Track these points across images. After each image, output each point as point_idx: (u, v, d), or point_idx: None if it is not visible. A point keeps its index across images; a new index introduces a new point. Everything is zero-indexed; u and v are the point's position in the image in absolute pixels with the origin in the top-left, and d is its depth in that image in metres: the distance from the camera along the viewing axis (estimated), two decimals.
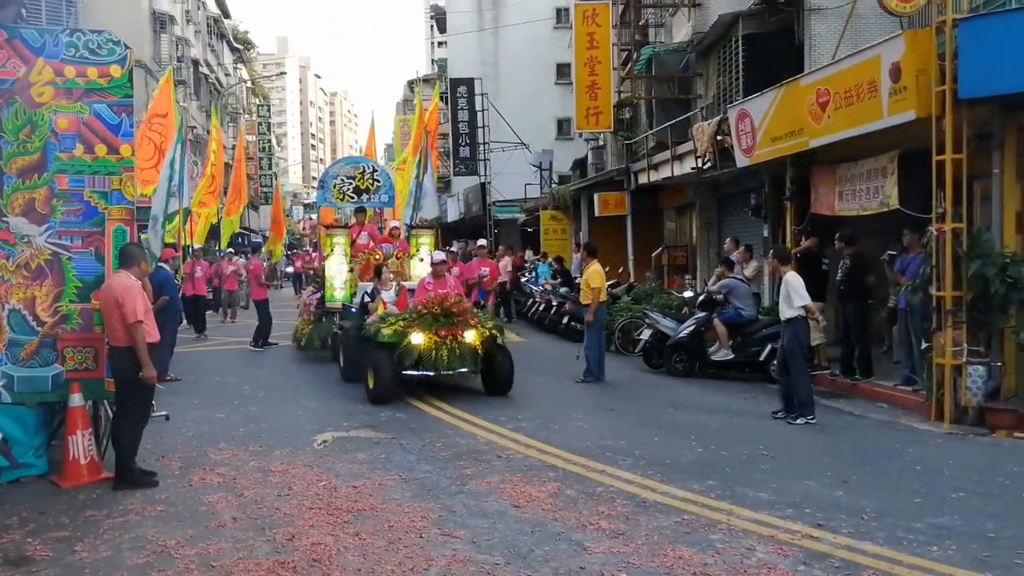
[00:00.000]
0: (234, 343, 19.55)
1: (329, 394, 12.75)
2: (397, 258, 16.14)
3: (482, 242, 20.60)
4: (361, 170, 18.07)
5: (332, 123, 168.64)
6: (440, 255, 14.02)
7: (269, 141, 68.89)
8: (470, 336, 11.86)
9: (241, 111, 61.03)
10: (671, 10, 24.66)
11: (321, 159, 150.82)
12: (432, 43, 78.76)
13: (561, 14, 44.46)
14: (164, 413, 10.40)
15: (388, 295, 13.29)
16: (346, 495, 7.39)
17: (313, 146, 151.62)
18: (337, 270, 16.08)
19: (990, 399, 10.14)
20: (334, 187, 17.80)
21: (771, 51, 17.25)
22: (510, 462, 8.59)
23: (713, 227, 21.46)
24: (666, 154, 20.89)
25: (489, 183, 37.71)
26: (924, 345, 10.97)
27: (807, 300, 10.57)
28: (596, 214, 25.74)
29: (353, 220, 18.05)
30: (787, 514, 6.87)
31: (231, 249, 26.33)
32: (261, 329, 18.87)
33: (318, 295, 16.77)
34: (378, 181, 17.99)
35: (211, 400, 12.20)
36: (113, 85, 8.32)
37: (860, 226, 13.28)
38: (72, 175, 8.20)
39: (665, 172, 21.32)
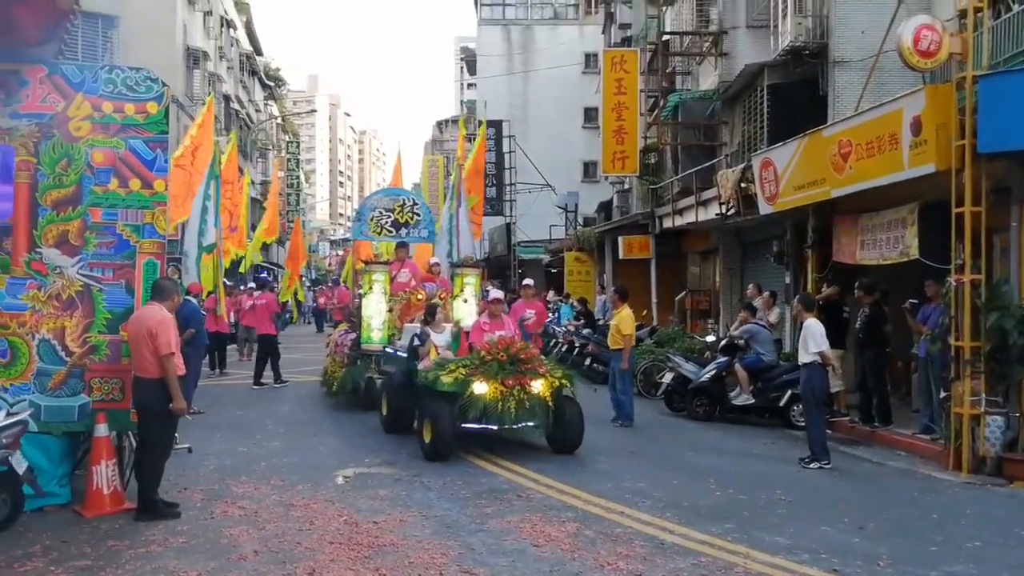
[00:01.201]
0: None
1: (350, 430, 12.85)
2: (440, 298, 14.73)
3: (528, 281, 18.71)
4: (401, 203, 17.11)
5: (360, 161, 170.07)
6: (496, 292, 12.94)
7: (297, 177, 69.62)
8: (539, 386, 10.71)
9: (271, 147, 61.74)
10: (698, 59, 24.92)
11: (348, 196, 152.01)
12: (462, 84, 79.63)
13: (590, 59, 44.97)
14: (187, 445, 10.51)
15: (441, 338, 12.08)
16: (367, 531, 7.47)
17: (341, 183, 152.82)
18: (375, 309, 14.69)
19: (1008, 450, 10.11)
20: (371, 220, 16.79)
21: (795, 101, 17.45)
22: (530, 502, 8.65)
23: (736, 273, 21.52)
24: (691, 200, 21.02)
25: (514, 223, 37.93)
26: (943, 394, 10.96)
27: (823, 347, 10.63)
28: (620, 257, 25.84)
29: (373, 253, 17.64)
30: (803, 559, 6.90)
31: (252, 284, 26.21)
32: (273, 363, 18.27)
33: (352, 336, 15.43)
34: (418, 215, 17.04)
35: (233, 434, 12.32)
36: (149, 121, 8.52)
37: (881, 275, 13.32)
38: (106, 208, 8.38)
39: (689, 217, 21.43)
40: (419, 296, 14.67)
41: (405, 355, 12.37)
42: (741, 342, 14.29)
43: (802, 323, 11.15)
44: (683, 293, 24.71)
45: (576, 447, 11.08)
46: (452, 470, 10.07)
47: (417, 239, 17.38)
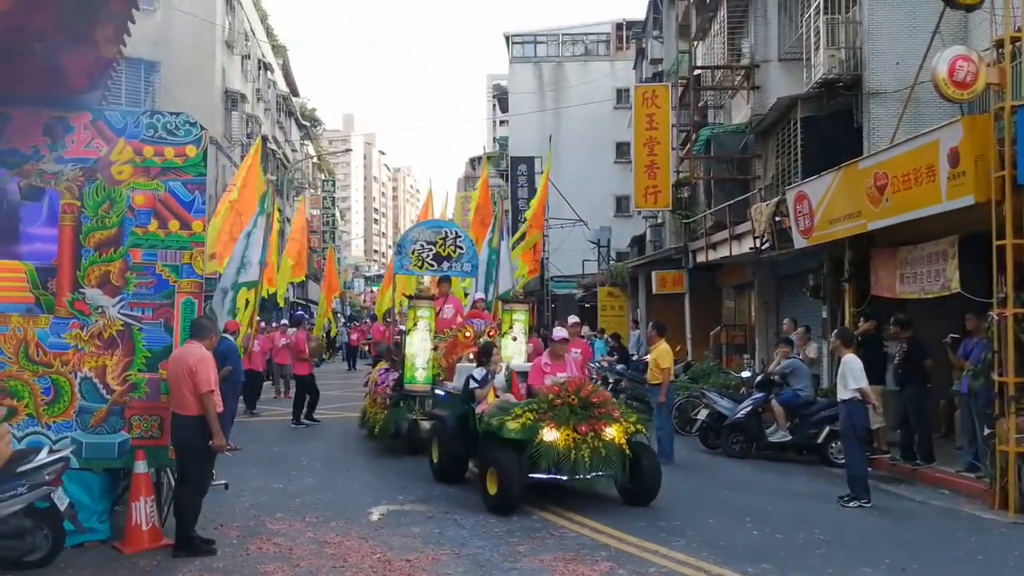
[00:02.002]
0: (290, 413, 19.69)
1: (384, 467, 12.83)
2: (490, 336, 13.98)
3: (574, 319, 17.34)
4: (443, 235, 16.32)
5: (395, 198, 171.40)
6: (562, 331, 11.88)
7: (333, 215, 70.23)
8: (614, 432, 9.91)
9: (307, 185, 62.37)
10: (730, 92, 24.92)
11: (383, 232, 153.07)
12: (494, 122, 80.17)
13: (621, 95, 45.23)
14: (224, 482, 10.54)
15: (498, 379, 11.20)
16: (400, 569, 7.45)
17: (376, 220, 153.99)
18: (420, 347, 13.90)
19: None
20: (412, 253, 16.09)
21: (829, 133, 17.34)
22: (563, 540, 8.58)
23: (772, 307, 21.35)
24: (724, 233, 20.95)
25: (547, 259, 38.00)
26: (987, 431, 10.75)
27: (862, 383, 10.48)
28: (654, 291, 25.78)
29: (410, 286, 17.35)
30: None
31: (285, 321, 26.07)
32: (311, 403, 18.21)
33: (393, 375, 14.59)
34: (461, 248, 16.27)
35: (269, 470, 12.36)
36: (188, 164, 8.69)
37: (922, 309, 13.17)
38: (146, 249, 8.54)
39: (723, 251, 21.35)
40: (467, 333, 14.05)
41: (459, 397, 11.66)
42: (777, 378, 14.14)
43: (840, 359, 11.03)
44: (718, 328, 24.55)
45: (653, 498, 10.18)
46: (484, 508, 9.98)
47: (459, 273, 16.72)
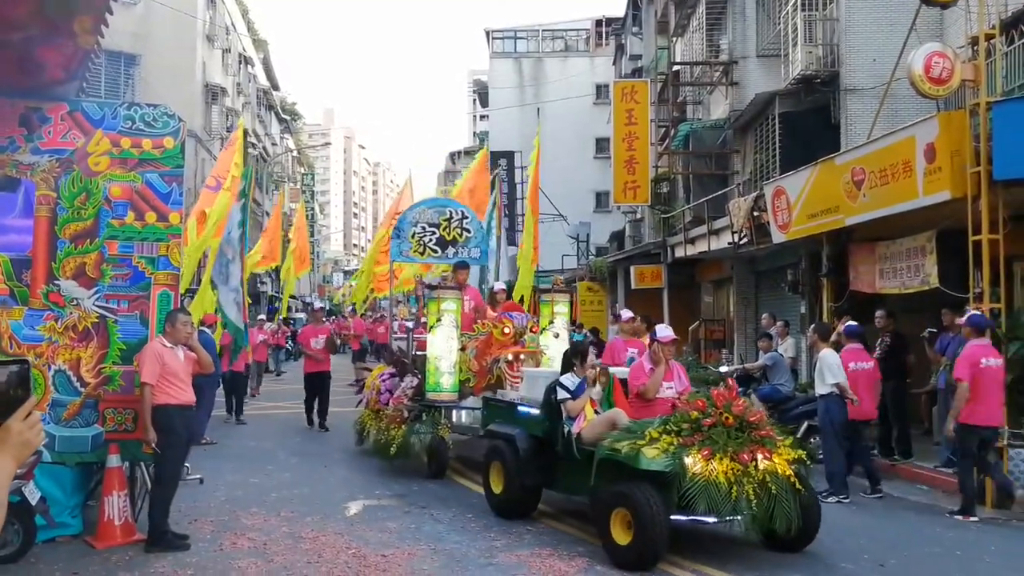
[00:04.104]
0: (271, 408, 19.64)
1: (362, 463, 12.75)
2: (532, 331, 12.12)
3: (627, 313, 13.75)
4: (447, 216, 14.16)
5: (375, 192, 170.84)
6: (667, 331, 9.18)
7: (312, 209, 69.91)
8: (777, 462, 7.51)
9: (286, 179, 62.09)
10: (709, 88, 25.01)
11: (363, 227, 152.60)
12: (474, 116, 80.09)
13: (601, 90, 45.29)
14: (198, 476, 10.49)
15: (594, 390, 8.84)
16: (375, 564, 7.40)
17: (355, 214, 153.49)
18: (445, 348, 11.51)
19: None
20: (412, 236, 13.94)
21: (807, 129, 17.46)
22: (540, 535, 8.56)
23: (750, 302, 21.43)
24: (703, 229, 21.00)
25: (475, 264, 37.87)
26: None
27: (840, 378, 10.51)
28: (632, 286, 25.81)
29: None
30: None
31: (262, 316, 25.34)
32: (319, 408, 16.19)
33: (412, 383, 11.92)
34: (468, 231, 14.18)
35: (245, 465, 12.28)
36: (166, 156, 8.63)
37: (899, 305, 13.24)
38: (122, 241, 8.47)
39: (702, 246, 21.40)
40: (505, 329, 11.79)
41: (536, 411, 9.25)
42: (757, 373, 14.17)
43: (817, 353, 11.05)
44: (697, 323, 24.61)
45: (810, 542, 8.05)
46: (462, 502, 9.99)
47: (467, 260, 14.25)
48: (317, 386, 15.95)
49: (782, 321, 16.19)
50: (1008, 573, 7.61)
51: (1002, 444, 9.95)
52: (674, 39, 27.01)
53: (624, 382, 9.08)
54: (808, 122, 17.83)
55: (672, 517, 7.42)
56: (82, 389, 8.29)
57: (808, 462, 7.92)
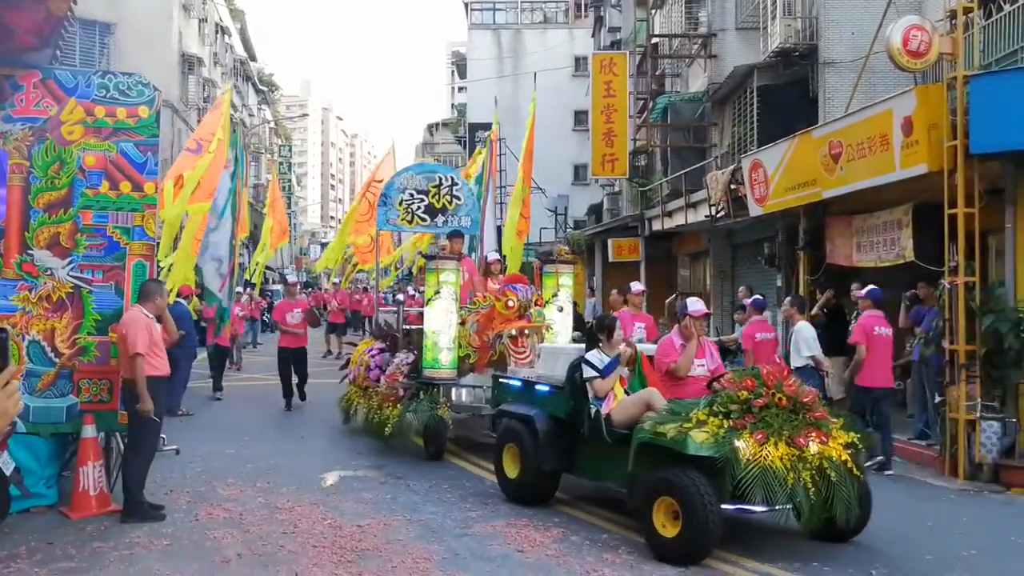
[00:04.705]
0: (248, 379, 19.58)
1: (339, 433, 12.75)
2: (538, 304, 11.37)
3: (638, 287, 13.81)
4: (437, 182, 13.41)
5: (352, 164, 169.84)
6: (699, 304, 8.49)
7: (289, 180, 69.46)
8: (835, 447, 6.96)
9: (263, 151, 61.65)
10: (687, 61, 24.98)
11: (340, 199, 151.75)
12: (453, 88, 79.67)
13: (579, 62, 45.12)
14: (174, 447, 10.44)
15: (623, 368, 8.11)
16: (351, 534, 7.42)
17: (332, 186, 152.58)
18: (444, 322, 10.86)
19: (1005, 456, 10.04)
20: (400, 204, 13.16)
21: (785, 102, 17.49)
22: (516, 506, 8.58)
23: (727, 275, 21.52)
24: (680, 202, 21.03)
25: (504, 226, 37.88)
26: (938, 399, 10.92)
27: (815, 351, 10.59)
28: (610, 259, 25.86)
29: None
30: (794, 567, 6.84)
31: (239, 288, 25.12)
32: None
33: (407, 359, 11.33)
34: (458, 198, 13.46)
35: (222, 436, 12.24)
36: (140, 125, 8.53)
37: (876, 278, 13.30)
38: (97, 211, 8.39)
39: (679, 219, 21.44)
40: (509, 302, 10.91)
41: (558, 390, 8.58)
42: (733, 346, 14.23)
43: (793, 326, 11.12)
44: (674, 296, 24.64)
45: (860, 531, 7.51)
46: (438, 473, 10.00)
47: (456, 229, 13.36)
48: (293, 360, 15.13)
49: (758, 295, 16.25)
50: (978, 543, 7.70)
51: (974, 417, 10.06)
52: (653, 11, 26.91)
53: (651, 359, 8.42)
54: (786, 95, 17.86)
55: (725, 506, 6.85)
56: (56, 360, 8.23)
57: (861, 446, 7.30)
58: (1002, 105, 9.90)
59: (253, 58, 60.45)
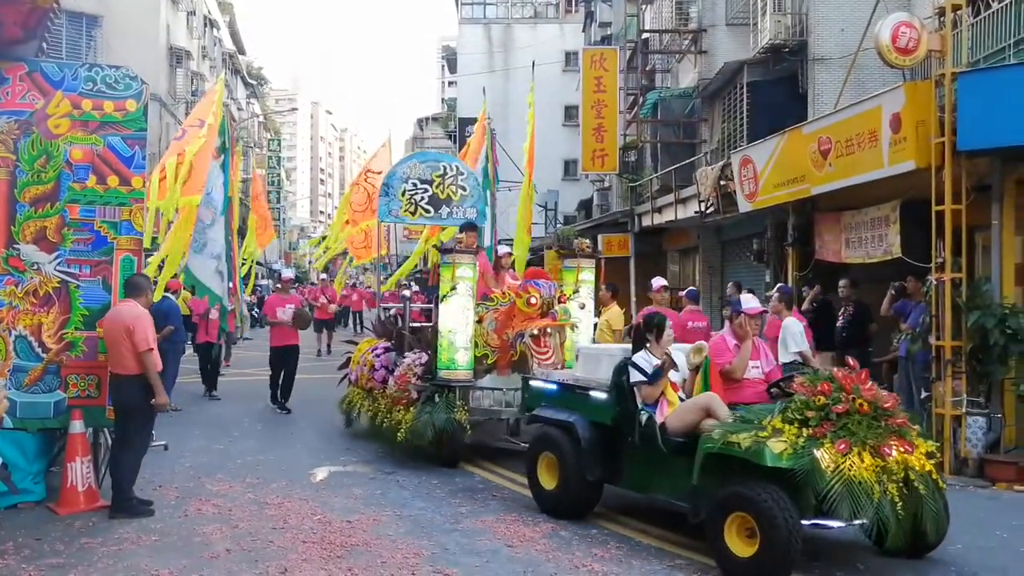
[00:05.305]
0: (237, 375, 19.55)
1: (328, 429, 12.73)
2: (561, 301, 10.88)
3: (660, 281, 13.08)
4: (441, 171, 12.63)
5: (342, 158, 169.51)
6: (754, 301, 8.13)
7: (279, 175, 69.28)
8: (919, 457, 6.45)
9: (252, 145, 61.50)
10: (678, 56, 24.99)
11: (329, 193, 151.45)
12: (443, 83, 79.55)
13: (570, 57, 45.06)
14: (163, 443, 10.44)
15: (677, 373, 7.62)
16: (340, 530, 7.42)
17: (322, 180, 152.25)
18: (461, 320, 10.24)
19: (990, 451, 10.09)
20: (403, 194, 12.39)
21: (775, 98, 17.53)
22: (505, 501, 8.62)
23: (716, 271, 21.55)
24: (670, 197, 21.04)
25: (494, 221, 37.85)
26: (924, 394, 10.98)
27: (803, 346, 10.57)
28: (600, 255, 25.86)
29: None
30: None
31: (230, 283, 24.91)
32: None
33: (420, 359, 10.66)
34: (463, 188, 12.71)
35: (211, 431, 12.23)
36: (128, 119, 8.51)
37: (862, 274, 13.35)
38: (84, 205, 8.37)
39: (669, 215, 21.45)
40: (532, 299, 10.33)
41: (602, 394, 7.96)
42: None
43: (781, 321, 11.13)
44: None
45: (937, 545, 6.98)
46: (427, 469, 9.99)
47: (459, 221, 12.73)
48: (284, 360, 14.62)
49: (747, 290, 16.26)
50: (963, 537, 7.69)
51: (960, 412, 10.11)
52: (643, 6, 26.92)
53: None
54: (776, 91, 17.90)
55: (805, 523, 6.30)
56: (44, 355, 8.21)
57: (938, 455, 6.80)
58: (989, 102, 9.92)
59: (242, 51, 60.30)
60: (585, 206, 34.22)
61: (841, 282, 13.12)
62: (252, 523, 7.62)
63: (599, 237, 25.88)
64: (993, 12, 12.32)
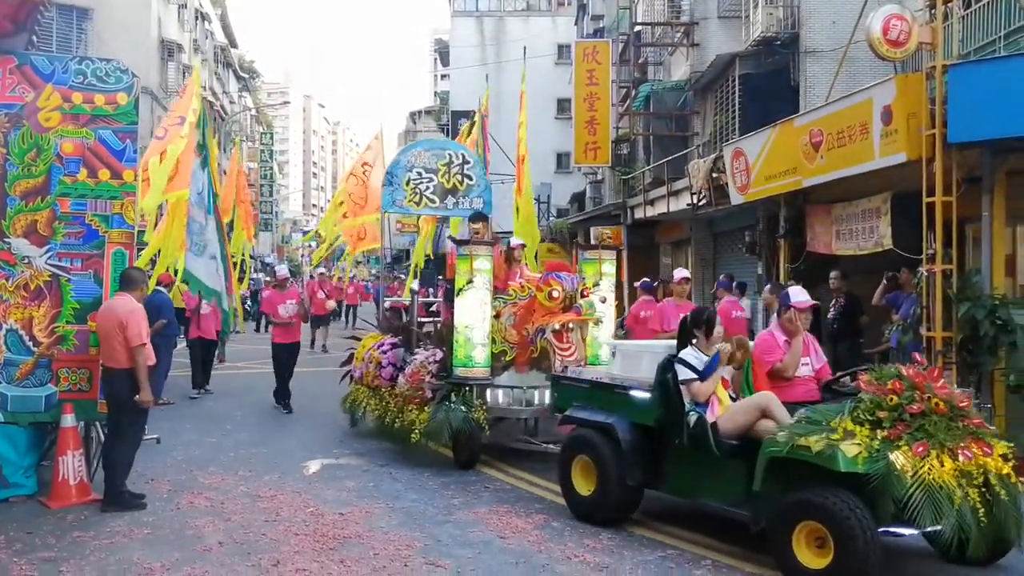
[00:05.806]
0: (230, 368, 19.54)
1: (320, 422, 12.74)
2: (584, 296, 10.09)
3: (682, 273, 13.04)
4: (447, 160, 12.30)
5: (334, 152, 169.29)
6: (804, 295, 7.52)
7: (271, 168, 69.17)
8: (996, 460, 5.93)
9: (244, 138, 61.40)
10: (670, 49, 25.00)
11: (322, 187, 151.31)
12: (436, 76, 79.45)
13: (562, 50, 45.04)
14: (155, 436, 10.41)
15: (726, 368, 7.09)
16: (333, 522, 7.44)
17: (315, 174, 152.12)
18: (478, 315, 9.73)
19: None
20: (407, 184, 12.09)
21: (767, 91, 17.56)
22: (498, 493, 8.64)
23: (708, 263, 21.59)
24: (662, 190, 21.07)
25: (487, 214, 37.85)
26: None
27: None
28: None
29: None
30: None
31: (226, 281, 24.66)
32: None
33: (436, 356, 10.22)
34: (469, 177, 12.41)
35: (203, 424, 12.23)
36: (119, 112, 8.48)
37: (853, 266, 13.38)
38: (75, 198, 8.34)
39: (661, 208, 21.47)
40: (554, 292, 9.65)
41: (648, 394, 7.39)
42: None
43: (772, 313, 11.16)
44: (656, 284, 24.73)
45: (1006, 552, 6.35)
46: (420, 462, 9.99)
47: (466, 212, 12.37)
48: (286, 358, 14.14)
49: (738, 283, 16.32)
50: None
51: None
52: None
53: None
54: (768, 84, 17.93)
55: (885, 531, 5.95)
56: (35, 349, 8.19)
57: (1013, 457, 6.15)
58: (980, 94, 9.94)
59: (234, 44, 60.13)
60: (578, 199, 34.21)
61: (832, 274, 13.14)
62: (244, 516, 7.62)
63: (592, 230, 25.91)
64: (983, 4, 12.33)
